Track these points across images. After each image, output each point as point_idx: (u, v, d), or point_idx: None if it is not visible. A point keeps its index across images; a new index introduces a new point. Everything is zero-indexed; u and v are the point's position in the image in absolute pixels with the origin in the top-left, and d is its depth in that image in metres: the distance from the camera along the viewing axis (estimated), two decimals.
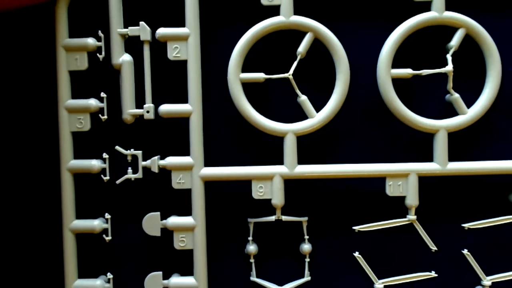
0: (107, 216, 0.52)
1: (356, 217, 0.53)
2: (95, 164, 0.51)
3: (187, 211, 0.52)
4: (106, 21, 0.51)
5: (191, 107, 0.51)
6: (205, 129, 0.52)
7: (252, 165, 0.52)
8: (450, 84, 0.50)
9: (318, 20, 0.50)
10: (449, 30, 0.50)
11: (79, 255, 0.52)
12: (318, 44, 0.51)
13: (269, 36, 0.51)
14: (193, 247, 0.52)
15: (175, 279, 0.52)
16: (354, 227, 0.52)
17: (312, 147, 0.53)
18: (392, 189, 0.51)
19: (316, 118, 0.50)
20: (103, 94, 0.51)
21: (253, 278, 0.54)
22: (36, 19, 0.51)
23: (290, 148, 0.51)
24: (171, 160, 0.51)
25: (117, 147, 0.51)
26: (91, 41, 0.51)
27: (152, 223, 0.52)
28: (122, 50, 0.51)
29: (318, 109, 0.51)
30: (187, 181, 0.51)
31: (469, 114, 0.51)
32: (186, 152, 0.51)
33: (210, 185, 0.52)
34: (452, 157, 0.51)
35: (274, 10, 0.50)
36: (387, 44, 0.50)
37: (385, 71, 0.50)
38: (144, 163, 0.51)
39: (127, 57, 0.51)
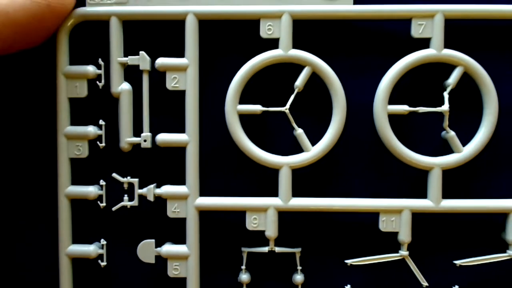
0: (103, 242, 0.54)
1: (349, 250, 0.56)
2: (92, 190, 0.54)
3: (181, 239, 0.54)
4: (107, 50, 0.53)
5: (188, 137, 0.53)
6: (202, 158, 0.54)
7: (247, 195, 0.55)
8: (446, 123, 0.52)
9: (316, 54, 0.52)
10: (447, 66, 0.53)
11: (74, 279, 0.55)
12: (316, 78, 0.53)
13: (267, 68, 0.53)
14: (187, 275, 0.54)
15: None
16: (346, 261, 0.54)
17: (307, 179, 0.55)
18: (385, 224, 0.54)
19: (312, 152, 0.53)
20: (101, 122, 0.53)
21: None
22: (37, 46, 0.53)
23: (285, 181, 0.54)
24: (166, 189, 0.54)
25: (114, 175, 0.54)
26: (91, 69, 0.54)
27: (146, 251, 0.55)
28: (121, 79, 0.53)
29: (314, 141, 0.53)
30: (182, 210, 0.54)
31: (464, 153, 0.53)
32: (182, 180, 0.54)
33: (205, 214, 0.55)
34: (446, 194, 0.54)
35: (273, 43, 0.53)
36: (384, 80, 0.53)
37: (382, 107, 0.52)
38: (140, 191, 0.54)
39: (126, 86, 0.53)
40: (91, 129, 0.54)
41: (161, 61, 0.53)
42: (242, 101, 0.53)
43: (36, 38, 0.51)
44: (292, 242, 0.56)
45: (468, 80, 0.53)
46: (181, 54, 0.53)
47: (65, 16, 0.52)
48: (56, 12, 0.50)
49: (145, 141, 0.53)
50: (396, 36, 0.54)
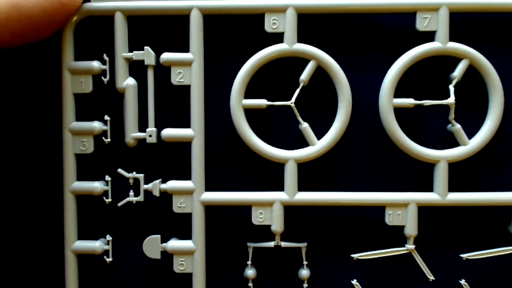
0: (109, 237, 0.54)
1: (355, 245, 0.56)
2: (97, 186, 0.54)
3: (187, 234, 0.54)
4: (111, 45, 0.53)
5: (193, 132, 0.53)
6: (207, 153, 0.54)
7: (253, 190, 0.55)
8: (452, 116, 0.53)
9: (321, 48, 0.53)
10: (452, 60, 0.53)
11: (80, 276, 0.56)
12: (321, 72, 0.53)
13: (272, 62, 0.53)
14: (193, 270, 0.54)
15: None
16: (352, 255, 0.54)
17: (313, 174, 0.55)
18: (391, 218, 0.54)
19: (317, 146, 0.53)
20: (106, 117, 0.54)
21: None
22: (42, 42, 0.53)
23: (290, 175, 0.54)
24: (172, 184, 0.54)
25: (120, 170, 0.54)
26: (96, 64, 0.54)
27: (152, 246, 0.55)
28: (126, 74, 0.54)
29: (320, 135, 0.53)
30: (188, 205, 0.54)
31: (470, 145, 0.53)
32: (188, 175, 0.54)
33: (211, 209, 0.55)
34: (452, 187, 0.54)
35: (278, 38, 0.53)
36: (389, 73, 0.53)
37: (387, 101, 0.52)
38: (145, 186, 0.54)
39: (131, 81, 0.53)
40: (96, 125, 0.54)
41: (166, 56, 0.54)
42: (247, 95, 0.54)
43: (44, 32, 0.51)
44: (298, 237, 0.56)
45: (473, 73, 0.53)
46: (186, 49, 0.54)
47: (74, 12, 0.52)
48: (66, 9, 0.51)
49: (150, 136, 0.54)
50: (401, 30, 0.54)
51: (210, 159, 0.55)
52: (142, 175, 0.54)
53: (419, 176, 0.55)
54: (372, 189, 0.55)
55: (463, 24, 0.54)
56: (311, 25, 0.54)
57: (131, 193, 0.55)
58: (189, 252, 0.55)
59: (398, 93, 0.53)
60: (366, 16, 0.54)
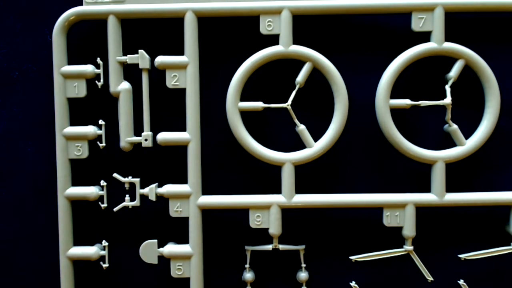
0: (105, 243, 0.54)
1: (353, 246, 0.56)
2: (92, 191, 0.54)
3: (184, 238, 0.54)
4: (105, 49, 0.53)
5: (189, 135, 0.53)
6: (203, 157, 0.54)
7: (250, 193, 0.55)
8: (448, 116, 0.53)
9: (317, 50, 0.53)
10: (448, 60, 0.53)
11: (76, 282, 0.55)
12: (317, 74, 0.53)
13: (268, 64, 0.53)
14: (190, 275, 0.54)
15: None
16: (351, 257, 0.54)
17: (310, 176, 0.55)
18: (389, 219, 0.54)
19: (314, 148, 0.53)
20: (101, 121, 0.53)
21: None
22: (36, 45, 0.53)
23: (287, 178, 0.54)
24: (168, 189, 0.54)
25: (115, 175, 0.54)
26: (89, 68, 0.53)
27: (149, 251, 0.55)
28: (120, 78, 0.53)
29: (316, 137, 0.53)
30: (185, 209, 0.54)
31: (467, 146, 0.53)
32: (184, 179, 0.54)
33: (208, 213, 0.55)
34: (450, 188, 0.54)
35: (273, 40, 0.53)
36: (386, 74, 0.53)
37: (384, 101, 0.53)
38: (142, 191, 0.54)
39: (125, 85, 0.53)
40: (91, 129, 0.54)
41: (160, 59, 0.53)
42: (243, 98, 0.54)
43: None
44: (296, 240, 0.56)
45: (469, 73, 0.53)
46: (181, 52, 0.53)
47: None
48: None
49: (146, 140, 0.54)
50: (397, 31, 0.55)
51: (207, 162, 0.55)
52: (138, 179, 0.54)
53: (416, 177, 0.55)
54: (369, 191, 0.55)
55: (458, 24, 0.54)
56: (307, 27, 0.54)
57: (127, 197, 0.54)
58: (186, 256, 0.54)
59: (394, 94, 0.53)
60: (361, 17, 0.55)
